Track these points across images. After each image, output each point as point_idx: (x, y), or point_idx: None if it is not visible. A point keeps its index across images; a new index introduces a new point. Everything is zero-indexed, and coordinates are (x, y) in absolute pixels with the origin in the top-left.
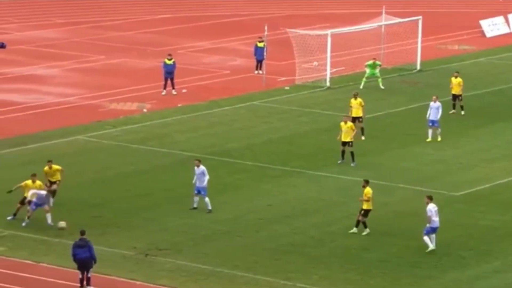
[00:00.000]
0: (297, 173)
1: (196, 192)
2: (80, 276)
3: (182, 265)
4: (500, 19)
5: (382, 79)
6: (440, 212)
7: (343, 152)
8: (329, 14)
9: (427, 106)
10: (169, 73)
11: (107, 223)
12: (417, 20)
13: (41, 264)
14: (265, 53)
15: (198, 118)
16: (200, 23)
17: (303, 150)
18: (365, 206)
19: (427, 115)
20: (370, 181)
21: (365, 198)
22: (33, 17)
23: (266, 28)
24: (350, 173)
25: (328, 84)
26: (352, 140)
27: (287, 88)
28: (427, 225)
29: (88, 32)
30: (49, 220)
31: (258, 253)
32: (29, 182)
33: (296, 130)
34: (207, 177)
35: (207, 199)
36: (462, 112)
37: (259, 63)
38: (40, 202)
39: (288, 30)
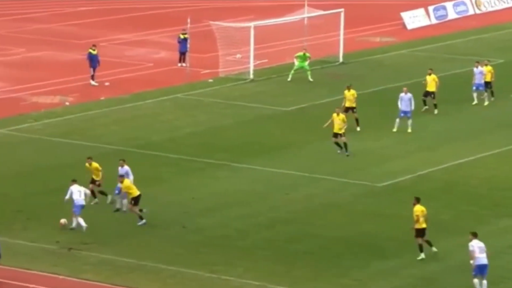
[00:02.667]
0: (222, 165)
1: (117, 192)
2: None
3: (106, 259)
4: (420, 11)
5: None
6: (363, 203)
7: (337, 143)
8: (253, 6)
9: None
10: (96, 62)
11: (28, 218)
12: (339, 12)
13: None
14: (188, 46)
15: (121, 111)
16: (124, 16)
17: (227, 142)
18: (417, 226)
19: (399, 106)
20: (293, 173)
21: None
22: None
23: (189, 20)
24: (274, 165)
25: (251, 76)
26: (343, 131)
27: (210, 80)
28: (471, 262)
29: (8, 25)
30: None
31: (183, 246)
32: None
33: (220, 123)
34: (131, 177)
35: (125, 201)
36: (436, 111)
37: (182, 56)
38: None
39: (211, 22)
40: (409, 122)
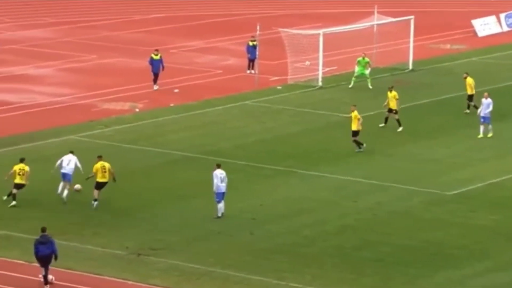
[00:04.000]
0: (290, 172)
1: (217, 200)
2: (44, 272)
3: (174, 264)
4: (492, 19)
5: (374, 79)
6: (432, 211)
7: (356, 142)
8: (322, 13)
9: (419, 106)
10: (157, 68)
11: (99, 223)
12: (409, 19)
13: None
14: (257, 53)
15: (190, 118)
16: (193, 23)
17: (296, 149)
18: None
19: (478, 111)
20: (362, 180)
21: None
22: (25, 17)
23: (258, 27)
24: (343, 172)
25: (320, 83)
26: (358, 129)
27: (279, 87)
28: None
29: (80, 31)
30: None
31: (251, 253)
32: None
33: (289, 130)
34: (216, 181)
35: (220, 205)
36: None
37: (251, 63)
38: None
39: (280, 29)
40: (489, 127)
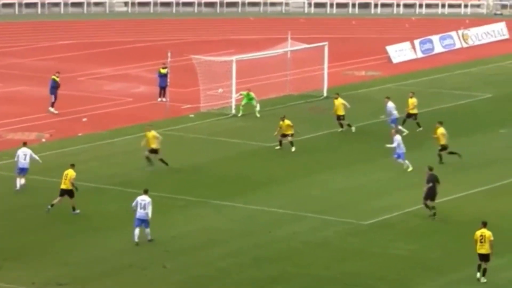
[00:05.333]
0: (203, 203)
1: (137, 224)
2: None
3: None
4: (406, 45)
5: (289, 106)
6: (349, 241)
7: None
8: (234, 40)
9: (334, 134)
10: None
11: (4, 257)
12: (323, 46)
13: None
14: (168, 80)
15: (100, 148)
16: (102, 49)
17: (209, 179)
18: (481, 251)
19: (390, 146)
20: (277, 210)
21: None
22: None
23: (169, 54)
24: (256, 202)
25: (233, 111)
26: (158, 147)
27: (191, 116)
28: None
29: None
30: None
31: (164, 286)
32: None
33: (202, 159)
34: (133, 204)
35: (148, 230)
36: (353, 129)
37: (162, 90)
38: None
39: (192, 56)
40: (406, 162)
